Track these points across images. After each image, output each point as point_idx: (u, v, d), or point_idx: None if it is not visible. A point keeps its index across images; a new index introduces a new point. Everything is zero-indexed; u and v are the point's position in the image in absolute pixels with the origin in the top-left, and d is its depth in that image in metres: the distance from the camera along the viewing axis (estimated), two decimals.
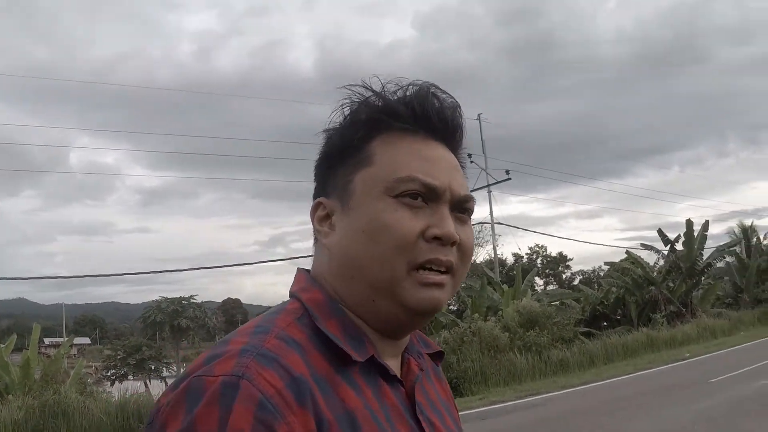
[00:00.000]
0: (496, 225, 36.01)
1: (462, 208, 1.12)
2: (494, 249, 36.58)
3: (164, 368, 44.70)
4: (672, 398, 14.18)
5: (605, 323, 31.29)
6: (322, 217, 1.14)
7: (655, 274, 32.20)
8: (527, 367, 21.07)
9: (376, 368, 1.05)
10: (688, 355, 23.33)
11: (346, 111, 1.15)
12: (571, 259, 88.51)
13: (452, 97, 1.16)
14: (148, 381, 37.28)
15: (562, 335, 23.47)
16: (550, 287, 68.65)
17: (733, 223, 62.71)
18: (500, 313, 24.75)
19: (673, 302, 30.31)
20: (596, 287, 40.13)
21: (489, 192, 35.69)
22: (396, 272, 1.03)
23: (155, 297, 58.90)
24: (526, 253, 78.98)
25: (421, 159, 1.09)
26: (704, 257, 31.44)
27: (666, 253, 32.74)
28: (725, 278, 40.09)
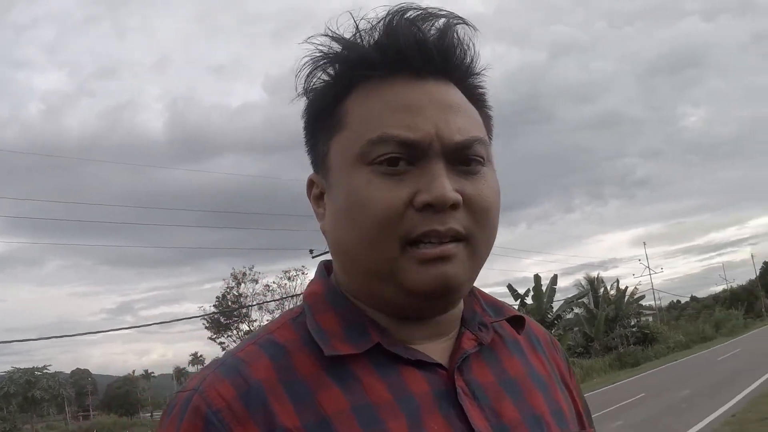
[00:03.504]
0: None
1: (465, 156, 0.90)
2: None
3: None
4: None
5: None
6: (317, 196, 1.00)
7: None
8: None
9: (391, 356, 0.90)
10: None
11: (311, 71, 0.96)
12: None
13: (445, 15, 0.93)
14: None
15: None
16: None
17: (580, 276, 65.69)
18: None
19: None
20: None
21: None
22: (387, 253, 0.87)
23: (4, 368, 56.69)
24: None
25: (397, 109, 0.89)
26: (554, 309, 32.56)
27: (516, 307, 33.25)
28: (575, 329, 41.83)
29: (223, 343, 45.10)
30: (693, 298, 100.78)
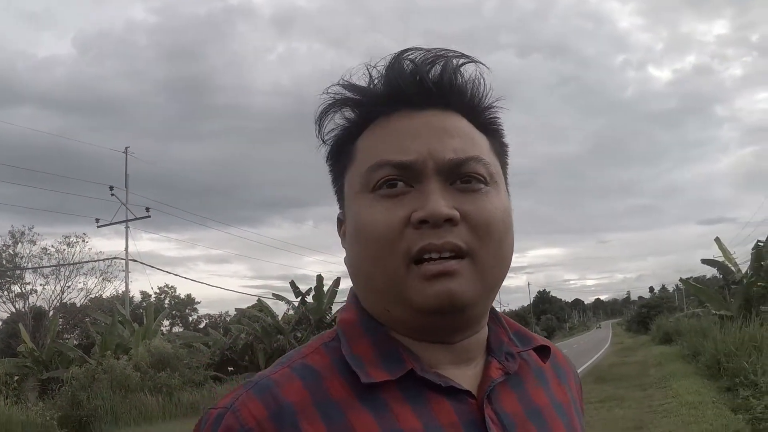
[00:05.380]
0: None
1: (462, 174, 0.93)
2: (126, 285, 35.51)
3: None
4: None
5: (232, 368, 31.58)
6: (343, 233, 1.03)
7: (283, 323, 33.01)
8: (158, 408, 20.74)
9: (421, 384, 0.92)
10: None
11: (328, 117, 1.03)
12: (199, 302, 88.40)
13: (452, 55, 0.99)
14: None
15: (192, 378, 23.51)
16: (176, 329, 67.94)
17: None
18: (131, 351, 24.20)
19: None
20: (222, 332, 40.42)
21: (126, 227, 34.75)
22: (393, 271, 0.90)
23: None
24: (155, 293, 77.65)
25: (393, 137, 0.95)
26: (333, 311, 32.99)
27: (296, 304, 33.72)
28: None
29: None
30: None
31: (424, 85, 0.96)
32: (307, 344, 0.99)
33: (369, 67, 0.99)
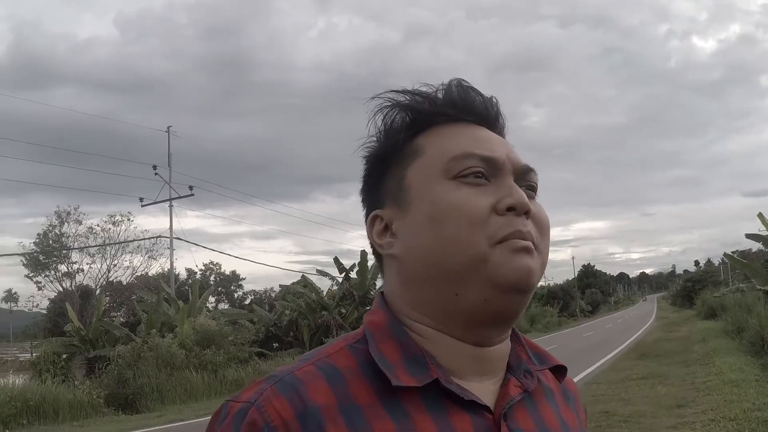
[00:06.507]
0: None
1: (526, 181, 1.01)
2: (171, 263, 35.79)
3: None
4: None
5: (276, 345, 31.72)
6: (380, 231, 1.04)
7: (328, 299, 33.15)
8: (203, 386, 20.86)
9: (443, 394, 0.93)
10: None
11: (380, 121, 1.07)
12: (244, 279, 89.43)
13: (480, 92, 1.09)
14: None
15: (237, 355, 23.58)
16: (222, 305, 68.60)
17: None
18: (176, 329, 24.33)
19: (345, 328, 31.20)
20: (267, 308, 40.65)
21: (170, 206, 35.05)
22: (478, 248, 0.92)
23: None
24: (200, 270, 78.56)
25: (472, 138, 1.01)
26: (377, 287, 33.00)
27: (340, 280, 33.90)
28: None
29: (40, 282, 43.46)
30: None
31: (488, 112, 1.07)
32: (330, 343, 1.00)
33: (418, 84, 1.07)
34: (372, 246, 1.06)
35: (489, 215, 0.94)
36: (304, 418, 0.86)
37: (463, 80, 1.07)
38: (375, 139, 1.08)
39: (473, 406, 0.93)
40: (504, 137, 1.09)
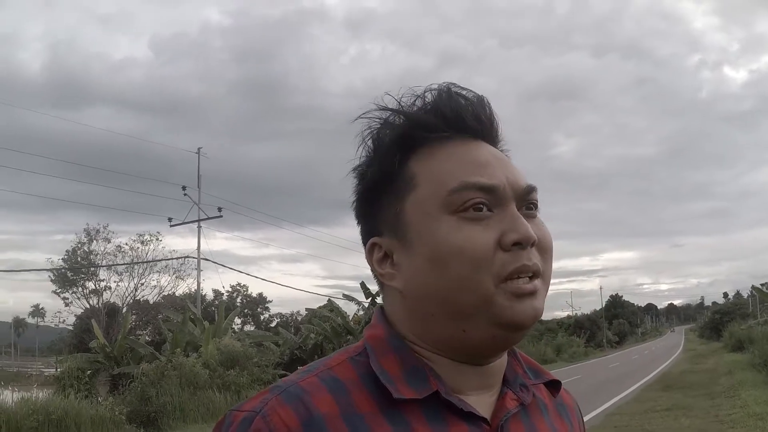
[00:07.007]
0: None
1: (527, 201, 0.99)
2: (198, 283, 35.95)
3: None
4: None
5: (300, 368, 31.60)
6: (380, 259, 1.02)
7: (353, 324, 32.98)
8: (225, 406, 20.78)
9: (442, 406, 0.94)
10: None
11: (369, 141, 1.05)
12: (271, 301, 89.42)
13: (473, 92, 1.04)
14: None
15: (261, 377, 23.55)
16: (248, 327, 68.73)
17: None
18: (201, 349, 24.39)
19: None
20: (293, 331, 40.65)
21: (199, 227, 35.20)
22: (484, 291, 0.92)
23: None
24: (227, 291, 78.79)
25: (467, 162, 0.97)
26: None
27: (366, 305, 33.81)
28: None
29: (67, 298, 43.86)
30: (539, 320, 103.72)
31: (481, 120, 1.02)
32: (331, 356, 1.01)
33: (398, 97, 1.03)
34: (372, 272, 1.05)
35: (494, 253, 0.93)
36: (309, 427, 0.87)
37: (453, 85, 1.03)
38: (365, 156, 1.06)
39: (471, 417, 0.95)
40: (499, 141, 1.06)
